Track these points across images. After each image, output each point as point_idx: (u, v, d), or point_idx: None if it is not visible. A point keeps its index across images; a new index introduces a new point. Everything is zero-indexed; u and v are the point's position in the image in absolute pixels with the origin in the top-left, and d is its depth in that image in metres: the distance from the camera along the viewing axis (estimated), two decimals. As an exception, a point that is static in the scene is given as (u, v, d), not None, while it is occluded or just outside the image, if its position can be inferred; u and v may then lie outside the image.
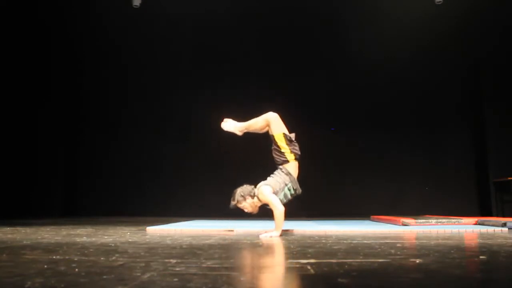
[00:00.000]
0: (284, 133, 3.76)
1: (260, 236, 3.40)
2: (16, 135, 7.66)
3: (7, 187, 7.23)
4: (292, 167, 3.76)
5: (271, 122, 3.83)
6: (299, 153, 3.78)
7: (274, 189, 3.61)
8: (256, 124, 3.90)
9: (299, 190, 3.75)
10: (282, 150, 3.73)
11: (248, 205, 3.64)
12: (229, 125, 4.06)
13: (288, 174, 3.70)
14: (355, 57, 7.94)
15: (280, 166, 3.76)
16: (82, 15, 8.03)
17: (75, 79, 8.49)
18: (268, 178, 3.72)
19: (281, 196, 3.66)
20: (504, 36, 7.55)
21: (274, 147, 3.79)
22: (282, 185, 3.65)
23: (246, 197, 3.62)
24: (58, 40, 8.24)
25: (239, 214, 6.07)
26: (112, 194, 7.97)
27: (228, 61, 8.06)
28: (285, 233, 3.95)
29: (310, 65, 8.06)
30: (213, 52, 8.16)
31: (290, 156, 3.74)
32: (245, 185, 3.68)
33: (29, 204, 7.56)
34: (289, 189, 3.68)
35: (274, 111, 3.87)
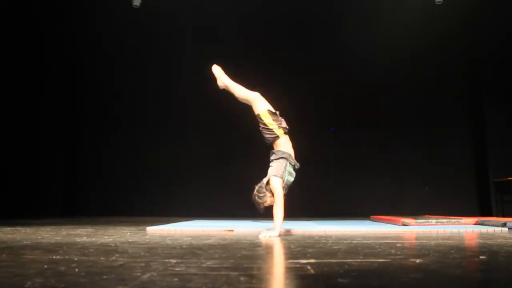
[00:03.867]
0: (268, 110, 3.81)
1: (259, 236, 3.40)
2: (16, 135, 7.65)
3: (7, 187, 7.23)
4: (284, 141, 3.81)
5: (253, 101, 3.91)
6: (287, 127, 3.84)
7: (278, 174, 3.62)
8: (238, 91, 4.01)
9: (297, 165, 3.80)
10: (270, 127, 3.78)
11: (272, 198, 3.63)
12: (218, 71, 4.15)
13: (283, 153, 3.71)
14: (355, 57, 7.94)
15: (273, 150, 3.80)
16: (82, 15, 8.03)
17: (74, 79, 8.49)
18: (269, 169, 3.72)
19: (287, 176, 3.68)
20: (504, 36, 7.54)
21: (261, 126, 3.83)
22: (284, 165, 3.68)
23: (266, 193, 3.62)
24: (57, 40, 8.23)
25: (239, 214, 6.08)
26: (112, 194, 7.97)
27: (229, 61, 8.03)
28: (284, 233, 3.95)
29: (309, 65, 8.06)
30: (213, 52, 8.14)
31: (279, 131, 3.79)
32: (255, 188, 3.68)
33: (29, 204, 7.55)
34: (290, 167, 3.72)
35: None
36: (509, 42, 7.51)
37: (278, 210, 3.52)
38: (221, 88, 4.16)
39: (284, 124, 3.83)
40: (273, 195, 3.61)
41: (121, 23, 7.96)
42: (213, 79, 4.18)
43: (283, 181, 3.64)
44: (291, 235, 3.75)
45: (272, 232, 3.45)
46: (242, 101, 4.03)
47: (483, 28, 7.74)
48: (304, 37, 8.15)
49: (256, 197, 3.64)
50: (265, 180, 3.68)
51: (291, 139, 3.89)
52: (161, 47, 8.33)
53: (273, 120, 3.78)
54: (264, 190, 3.62)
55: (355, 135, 8.01)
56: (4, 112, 7.47)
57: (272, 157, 3.80)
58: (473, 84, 7.98)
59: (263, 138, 3.86)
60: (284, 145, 3.80)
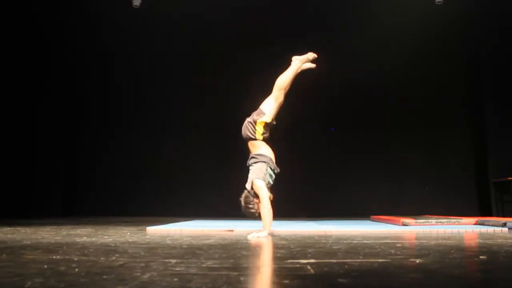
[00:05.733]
0: (267, 123, 3.78)
1: (248, 237, 3.39)
2: (16, 135, 7.65)
3: (7, 187, 7.22)
4: (261, 145, 3.80)
5: (274, 100, 3.84)
6: (268, 137, 3.84)
7: (260, 176, 3.62)
8: (285, 79, 3.92)
9: (277, 169, 3.78)
10: (256, 127, 3.76)
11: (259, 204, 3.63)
12: (308, 57, 4.09)
13: (265, 157, 3.71)
14: (355, 57, 7.93)
15: (253, 154, 3.79)
16: (82, 15, 8.03)
17: (74, 79, 8.48)
18: (250, 173, 3.72)
19: (268, 178, 3.68)
20: (504, 36, 7.54)
21: (250, 120, 3.81)
22: (265, 168, 3.67)
23: (254, 200, 3.60)
24: (57, 40, 8.23)
25: (239, 214, 6.09)
26: (112, 194, 7.96)
27: (229, 61, 8.06)
28: (282, 233, 3.95)
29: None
30: (214, 52, 8.16)
31: (259, 136, 3.79)
32: (241, 200, 3.66)
33: (29, 204, 7.55)
34: (270, 170, 3.71)
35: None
36: (509, 42, 7.51)
37: (265, 211, 3.51)
38: (292, 60, 4.02)
39: (267, 135, 3.83)
40: (258, 197, 3.59)
41: (121, 23, 7.96)
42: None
43: (265, 182, 3.62)
44: (290, 235, 3.75)
45: (261, 233, 3.44)
46: (275, 83, 3.92)
47: (483, 28, 7.74)
48: (304, 37, 8.12)
49: (247, 209, 3.62)
50: (248, 186, 3.66)
51: (270, 143, 3.88)
52: (161, 47, 8.33)
53: (263, 127, 3.77)
54: (251, 198, 3.60)
55: (355, 135, 8.01)
56: (4, 111, 7.46)
57: (251, 161, 3.78)
58: (473, 84, 7.98)
59: (242, 129, 3.84)
60: (263, 148, 3.79)
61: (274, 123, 3.86)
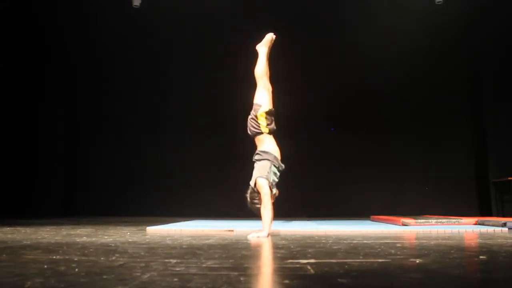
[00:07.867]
0: (266, 112, 3.78)
1: (248, 237, 3.40)
2: (16, 135, 7.65)
3: (7, 187, 7.22)
4: (267, 140, 3.80)
5: (261, 90, 3.87)
6: (275, 128, 3.84)
7: (263, 175, 3.62)
8: (260, 68, 3.98)
9: (282, 166, 3.77)
10: (259, 121, 3.77)
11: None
12: (268, 40, 4.12)
13: (269, 155, 3.70)
14: (355, 57, 7.94)
15: (258, 150, 3.79)
16: (82, 15, 8.03)
17: (74, 79, 8.48)
18: (254, 170, 3.73)
19: (272, 176, 3.68)
20: (504, 36, 7.54)
21: (252, 115, 3.84)
22: (268, 166, 3.67)
23: (258, 195, 3.62)
24: (57, 40, 8.23)
25: (239, 214, 6.07)
26: (112, 194, 7.96)
27: (229, 62, 8.05)
28: (282, 233, 3.95)
29: (309, 65, 8.05)
30: (214, 52, 8.15)
31: (264, 129, 3.79)
32: (247, 196, 3.68)
33: (29, 204, 7.55)
34: (275, 168, 3.71)
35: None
36: (509, 42, 7.51)
37: (266, 210, 3.51)
38: (256, 48, 4.13)
39: (272, 125, 3.83)
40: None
41: (121, 23, 7.97)
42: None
43: (269, 181, 3.63)
44: (290, 235, 3.75)
45: (261, 233, 3.44)
46: (255, 75, 4.00)
47: (483, 28, 7.74)
48: (305, 37, 8.13)
49: (253, 204, 3.65)
50: (252, 183, 3.68)
51: (276, 138, 3.88)
52: (161, 47, 8.33)
53: (265, 118, 3.79)
54: (256, 194, 3.63)
55: (355, 135, 8.01)
56: (4, 111, 7.46)
57: (256, 157, 3.79)
58: (473, 84, 7.98)
59: (247, 127, 3.87)
60: (268, 144, 3.79)
61: (273, 109, 3.87)
